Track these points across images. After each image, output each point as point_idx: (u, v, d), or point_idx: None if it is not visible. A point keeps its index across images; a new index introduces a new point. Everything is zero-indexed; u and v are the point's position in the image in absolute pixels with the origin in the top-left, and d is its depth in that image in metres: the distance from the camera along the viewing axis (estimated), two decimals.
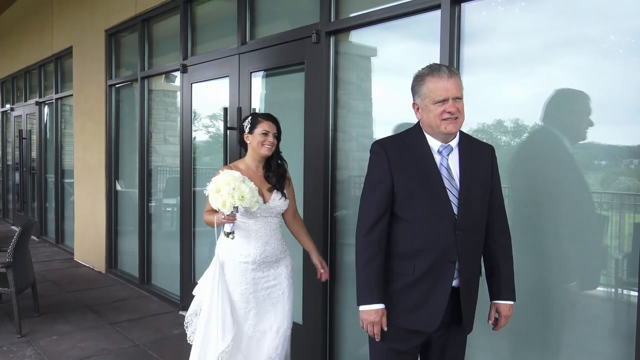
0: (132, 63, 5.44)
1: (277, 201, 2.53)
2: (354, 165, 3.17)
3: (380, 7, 2.80)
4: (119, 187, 5.84)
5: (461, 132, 1.89)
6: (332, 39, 3.13)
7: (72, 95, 6.77)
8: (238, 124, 3.73)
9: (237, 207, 2.22)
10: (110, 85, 5.78)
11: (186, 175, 4.49)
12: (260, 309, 2.49)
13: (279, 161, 2.60)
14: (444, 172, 1.79)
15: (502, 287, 1.88)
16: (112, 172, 5.81)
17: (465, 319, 1.86)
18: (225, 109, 3.85)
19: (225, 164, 3.83)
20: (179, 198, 4.62)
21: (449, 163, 1.81)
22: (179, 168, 4.59)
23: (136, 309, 4.56)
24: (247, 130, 2.53)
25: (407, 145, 1.84)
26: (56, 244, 7.50)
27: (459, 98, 1.78)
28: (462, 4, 2.44)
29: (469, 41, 2.44)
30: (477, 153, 1.86)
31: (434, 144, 1.82)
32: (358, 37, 3.10)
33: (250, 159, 2.56)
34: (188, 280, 4.46)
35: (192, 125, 4.46)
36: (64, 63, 7.31)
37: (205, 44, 4.44)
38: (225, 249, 2.48)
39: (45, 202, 8.09)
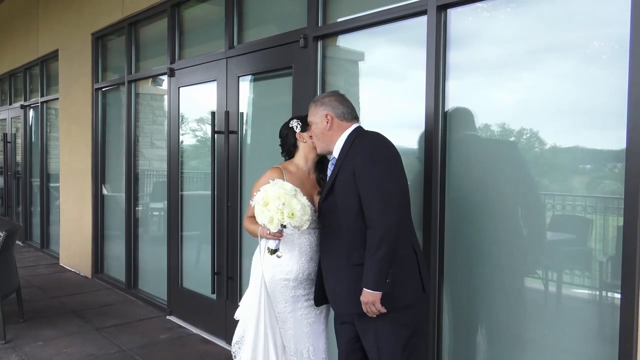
0: (119, 66, 5.39)
1: None
2: None
3: (367, 12, 2.81)
4: (105, 192, 5.80)
5: (349, 137, 2.11)
6: (319, 44, 3.13)
7: (58, 98, 6.70)
8: (226, 127, 3.72)
9: (285, 224, 1.99)
10: (97, 89, 5.74)
11: (173, 179, 4.45)
12: (297, 330, 2.29)
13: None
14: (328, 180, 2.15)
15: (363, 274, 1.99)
16: (99, 176, 5.76)
17: (330, 301, 2.16)
18: (213, 113, 3.83)
19: (213, 166, 3.81)
20: (166, 202, 4.58)
21: (330, 171, 2.16)
22: (166, 172, 4.57)
23: (123, 314, 4.51)
24: (298, 129, 2.35)
25: None
26: (41, 248, 7.39)
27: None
28: (448, 10, 2.45)
29: (454, 46, 2.46)
30: (347, 160, 2.06)
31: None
32: (346, 41, 3.10)
33: (302, 160, 2.35)
34: (175, 285, 4.43)
35: (180, 129, 4.43)
36: (49, 66, 7.22)
37: (192, 48, 4.42)
38: (268, 263, 2.25)
39: (30, 206, 7.99)
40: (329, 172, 2.19)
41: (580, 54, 2.12)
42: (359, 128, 2.17)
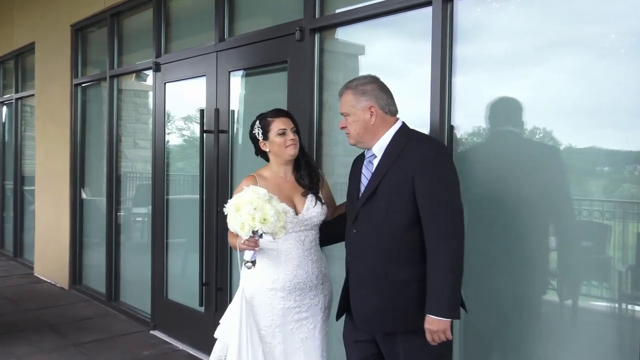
0: (101, 61, 5.38)
1: (312, 210, 2.29)
2: (340, 172, 3.16)
3: (368, 2, 2.82)
4: (84, 195, 5.78)
5: (396, 136, 2.04)
6: (317, 37, 3.13)
7: (33, 95, 6.68)
8: (216, 126, 3.72)
9: (258, 231, 2.00)
10: (76, 85, 5.73)
11: (158, 182, 4.45)
12: (288, 346, 2.25)
13: (305, 158, 2.40)
14: (362, 179, 2.10)
15: (427, 297, 1.92)
16: (77, 178, 5.75)
17: (355, 315, 2.07)
18: (202, 111, 3.83)
19: (202, 168, 3.81)
20: (150, 207, 4.57)
21: (368, 170, 2.10)
22: (150, 174, 4.55)
23: (103, 329, 4.49)
24: (260, 137, 2.32)
25: None
26: (14, 257, 7.37)
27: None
28: (455, 1, 2.46)
29: (462, 40, 2.46)
30: (401, 159, 1.99)
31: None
32: (345, 34, 3.10)
33: (275, 166, 2.36)
34: (160, 297, 4.41)
35: (165, 128, 4.43)
36: (25, 60, 7.21)
37: (180, 41, 4.42)
38: (249, 275, 2.24)
39: (3, 211, 7.96)
40: (364, 171, 2.10)
41: (596, 48, 2.13)
42: (406, 126, 2.10)
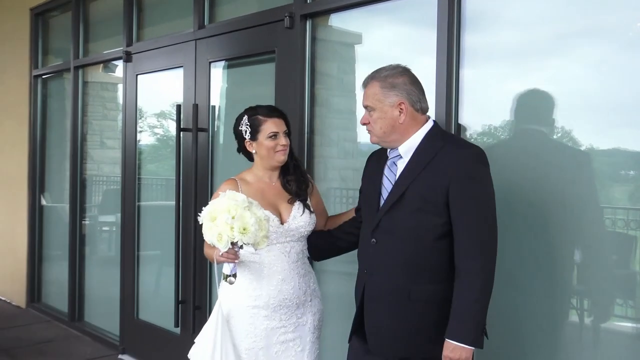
0: (64, 49, 5.36)
1: (299, 219, 2.27)
2: (334, 176, 3.16)
3: None
4: (44, 202, 5.74)
5: (429, 137, 2.00)
6: (308, 24, 3.13)
7: None
8: (194, 124, 3.70)
9: (237, 242, 1.99)
10: (36, 76, 5.71)
11: (129, 186, 4.43)
12: None
13: (294, 162, 2.38)
14: (384, 181, 2.07)
15: (450, 321, 1.90)
16: (37, 183, 5.72)
17: (370, 335, 2.03)
18: (179, 106, 3.83)
19: (178, 171, 3.81)
20: (119, 215, 4.55)
21: (392, 172, 2.06)
22: (119, 178, 4.54)
23: (65, 353, 4.46)
24: (247, 136, 2.29)
25: None
26: None
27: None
28: None
29: (471, 27, 2.47)
30: (435, 164, 1.95)
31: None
32: (340, 21, 3.11)
33: (260, 169, 2.34)
34: (130, 317, 4.39)
35: (137, 125, 4.41)
36: None
37: (154, 27, 4.41)
38: (227, 291, 2.25)
39: None
40: (387, 173, 2.07)
41: (621, 37, 2.13)
42: (439, 127, 2.09)
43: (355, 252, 2.24)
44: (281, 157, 2.29)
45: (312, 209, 2.35)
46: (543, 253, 2.29)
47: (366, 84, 2.06)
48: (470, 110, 2.48)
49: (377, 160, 2.15)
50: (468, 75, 2.48)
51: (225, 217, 1.96)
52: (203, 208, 2.06)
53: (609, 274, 2.20)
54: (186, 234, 3.78)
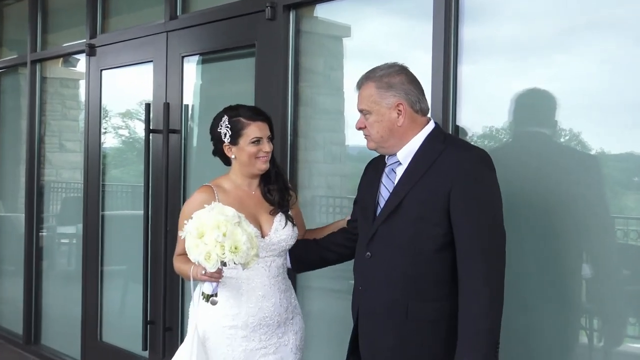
0: (20, 41, 5.34)
1: (281, 232, 2.29)
2: (320, 183, 3.16)
3: None
4: None
5: (429, 140, 2.02)
6: (292, 15, 3.14)
7: None
8: (165, 125, 3.69)
9: (226, 262, 1.96)
10: None
11: (92, 194, 4.41)
12: None
13: (276, 169, 2.39)
14: (382, 190, 2.08)
15: (459, 341, 1.90)
16: None
17: (364, 357, 2.06)
18: (148, 105, 3.81)
19: (147, 177, 3.79)
20: (80, 226, 4.53)
21: (390, 179, 2.08)
22: (81, 185, 4.52)
23: None
24: (227, 139, 2.28)
25: None
26: None
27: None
28: None
29: (469, 20, 2.49)
30: (436, 169, 1.97)
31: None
32: (326, 12, 3.12)
33: (238, 176, 2.35)
34: (92, 339, 4.36)
35: (101, 126, 4.40)
36: None
37: (121, 17, 4.40)
38: (203, 311, 2.23)
39: None
40: (384, 181, 2.08)
41: (632, 31, 2.15)
42: (440, 129, 2.10)
43: (341, 266, 2.25)
44: (262, 166, 2.30)
45: (294, 222, 2.36)
46: (548, 267, 2.31)
47: (360, 85, 2.07)
48: (469, 111, 2.50)
49: (375, 168, 2.17)
50: (466, 71, 2.49)
51: (215, 235, 1.93)
52: (186, 221, 2.03)
53: (620, 290, 2.22)
54: (155, 247, 3.76)
